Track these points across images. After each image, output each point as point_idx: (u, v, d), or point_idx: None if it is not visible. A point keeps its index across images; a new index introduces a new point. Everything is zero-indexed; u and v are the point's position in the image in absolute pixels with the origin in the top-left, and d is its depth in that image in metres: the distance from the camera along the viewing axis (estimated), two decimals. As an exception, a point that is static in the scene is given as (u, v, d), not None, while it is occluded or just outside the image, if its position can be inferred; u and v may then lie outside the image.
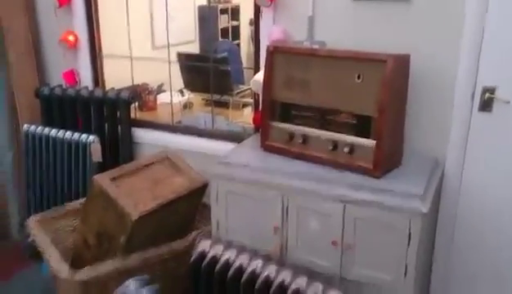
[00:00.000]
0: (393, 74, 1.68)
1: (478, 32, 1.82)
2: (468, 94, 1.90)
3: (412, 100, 1.91)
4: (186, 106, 3.27)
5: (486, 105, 1.88)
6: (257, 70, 2.35)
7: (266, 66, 2.00)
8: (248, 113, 3.14)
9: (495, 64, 1.83)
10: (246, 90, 3.38)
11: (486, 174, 1.95)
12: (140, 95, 3.32)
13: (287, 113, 2.00)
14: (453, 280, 2.11)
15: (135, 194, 2.11)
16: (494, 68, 1.84)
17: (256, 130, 2.42)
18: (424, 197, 1.66)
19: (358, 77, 1.76)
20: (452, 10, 1.85)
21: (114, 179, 2.14)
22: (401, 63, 1.76)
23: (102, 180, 2.09)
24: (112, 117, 2.75)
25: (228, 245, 1.84)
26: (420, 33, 1.93)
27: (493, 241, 1.99)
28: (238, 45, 5.38)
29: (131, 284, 1.77)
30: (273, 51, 1.97)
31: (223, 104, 3.12)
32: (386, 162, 1.80)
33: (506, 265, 1.98)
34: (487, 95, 1.86)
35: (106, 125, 2.77)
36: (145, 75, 3.43)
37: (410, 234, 1.66)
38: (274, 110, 2.03)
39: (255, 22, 2.34)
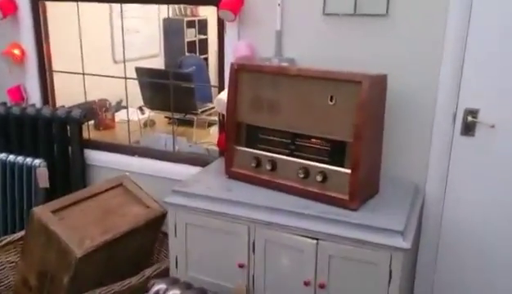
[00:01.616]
0: (369, 96, 1.52)
1: (459, 50, 1.69)
2: (449, 116, 1.76)
3: (389, 122, 1.75)
4: (147, 125, 3.04)
5: (468, 129, 1.74)
6: (221, 88, 2.16)
7: (230, 85, 1.81)
8: (214, 133, 2.93)
9: (477, 84, 1.70)
10: (213, 108, 3.18)
11: (469, 202, 1.81)
12: (96, 112, 3.07)
13: (254, 136, 1.81)
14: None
15: (81, 228, 1.86)
16: (477, 89, 1.71)
17: (221, 153, 2.22)
18: (406, 232, 1.50)
19: (331, 99, 1.59)
20: (433, 26, 1.72)
21: (57, 210, 1.90)
22: (378, 83, 1.60)
23: (42, 212, 1.84)
24: (62, 137, 2.50)
25: (187, 287, 1.61)
26: (398, 51, 1.78)
27: (477, 272, 1.85)
28: (206, 59, 5.19)
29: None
30: (238, 69, 1.79)
31: (188, 123, 2.91)
32: (363, 192, 1.62)
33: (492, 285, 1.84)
34: (470, 118, 1.72)
35: (55, 147, 2.51)
36: (105, 91, 3.19)
37: (391, 272, 1.49)
38: (239, 133, 1.84)
39: (219, 37, 2.15)
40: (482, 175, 1.76)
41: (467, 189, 1.80)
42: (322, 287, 1.58)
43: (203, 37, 5.49)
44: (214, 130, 2.99)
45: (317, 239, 1.56)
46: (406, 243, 1.46)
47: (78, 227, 1.84)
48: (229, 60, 2.07)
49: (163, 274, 2.00)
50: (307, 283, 1.59)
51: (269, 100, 1.74)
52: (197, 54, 5.06)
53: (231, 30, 2.06)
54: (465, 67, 1.70)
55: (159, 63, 4.66)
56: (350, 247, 1.52)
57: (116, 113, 3.22)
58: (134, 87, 2.82)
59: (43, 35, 2.55)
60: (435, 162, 1.81)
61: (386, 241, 1.47)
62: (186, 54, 4.84)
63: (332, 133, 1.61)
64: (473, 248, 1.84)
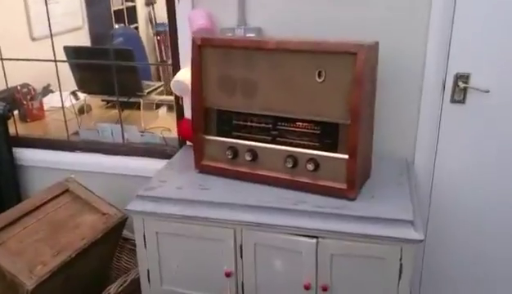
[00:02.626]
0: (365, 69, 1.31)
1: (448, 8, 1.52)
2: (438, 83, 1.61)
3: (377, 94, 1.57)
4: (83, 111, 2.65)
5: (458, 96, 1.60)
6: (176, 67, 1.86)
7: (193, 64, 1.53)
8: (164, 115, 2.62)
9: (468, 47, 1.55)
10: (158, 87, 2.84)
11: (459, 174, 1.70)
12: (20, 101, 2.62)
13: (227, 123, 1.55)
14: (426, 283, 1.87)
15: (28, 251, 1.54)
16: (467, 52, 1.56)
17: (182, 142, 1.94)
18: (416, 221, 1.34)
19: (319, 75, 1.37)
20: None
21: (-6, 233, 1.55)
22: (372, 53, 1.40)
23: (-24, 239, 1.49)
24: (-17, 138, 2.09)
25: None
26: (382, 15, 1.57)
27: (468, 241, 1.78)
28: (136, 29, 4.71)
29: None
30: (202, 45, 1.50)
31: (131, 105, 2.56)
32: (360, 179, 1.45)
33: (483, 264, 1.78)
34: (460, 83, 1.58)
35: (-23, 149, 2.09)
36: (24, 74, 2.72)
37: (401, 266, 1.34)
38: (209, 121, 1.58)
39: (168, 5, 1.82)
40: (473, 143, 1.65)
41: (457, 159, 1.68)
42: (325, 289, 1.41)
43: (130, 4, 4.97)
44: (163, 112, 2.68)
45: (317, 237, 1.37)
46: (418, 234, 1.31)
47: (25, 251, 1.52)
48: (183, 32, 1.77)
49: (131, 288, 1.74)
50: (307, 287, 1.41)
51: (242, 80, 1.48)
52: (126, 24, 4.57)
53: (182, -3, 1.74)
54: (455, 28, 1.54)
55: (83, 37, 4.15)
56: (354, 242, 1.35)
57: (43, 100, 2.78)
58: (62, 68, 2.40)
59: None
60: (424, 133, 1.66)
61: (396, 233, 1.31)
62: (115, 25, 4.35)
63: (322, 114, 1.40)
64: (463, 218, 1.75)
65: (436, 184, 1.73)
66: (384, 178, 1.56)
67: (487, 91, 1.56)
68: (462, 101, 1.61)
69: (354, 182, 1.39)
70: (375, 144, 1.63)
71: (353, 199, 1.41)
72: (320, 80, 1.37)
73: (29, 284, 1.44)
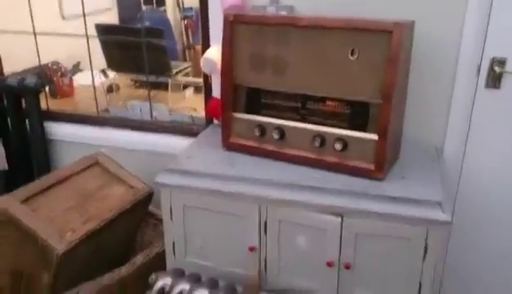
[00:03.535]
0: (401, 48, 1.30)
1: (486, -7, 1.49)
2: (473, 67, 1.58)
3: (409, 76, 1.55)
4: (112, 90, 2.69)
5: (494, 80, 1.57)
6: (206, 47, 1.87)
7: (224, 41, 1.53)
8: (190, 96, 2.64)
9: (506, 31, 1.52)
10: (186, 68, 2.86)
11: (490, 164, 1.66)
12: (51, 78, 2.68)
13: (256, 101, 1.56)
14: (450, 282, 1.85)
15: (59, 218, 1.59)
16: (505, 36, 1.52)
17: (209, 120, 1.96)
18: (444, 202, 1.33)
19: (352, 53, 1.36)
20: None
21: (27, 200, 1.60)
22: (408, 32, 1.38)
23: (11, 204, 1.54)
24: (16, 110, 2.14)
25: (195, 280, 1.40)
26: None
27: (494, 232, 1.75)
28: (164, 12, 4.74)
29: None
30: (233, 21, 1.51)
31: (158, 86, 2.59)
32: (389, 160, 1.44)
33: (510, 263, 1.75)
34: (496, 68, 1.55)
35: (9, 121, 2.15)
36: (55, 52, 2.78)
37: (426, 247, 1.33)
38: (238, 98, 1.58)
39: (200, -16, 1.83)
40: (507, 131, 1.61)
41: (489, 149, 1.65)
42: (348, 267, 1.41)
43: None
44: (190, 93, 2.70)
45: (342, 216, 1.38)
46: (445, 215, 1.30)
47: (55, 218, 1.56)
48: (214, 10, 1.78)
49: (156, 261, 1.77)
50: (330, 264, 1.42)
51: (273, 58, 1.48)
52: (154, 6, 4.61)
53: (214, -24, 1.75)
54: (493, 11, 1.50)
55: (112, 17, 4.20)
56: (380, 222, 1.34)
57: (73, 78, 2.83)
58: (92, 47, 2.44)
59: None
60: (456, 119, 1.64)
61: (424, 214, 1.30)
62: (143, 6, 4.39)
63: (353, 93, 1.39)
64: (491, 212, 1.72)
65: (464, 175, 1.70)
66: (414, 161, 1.55)
67: (523, 77, 1.53)
68: (497, 87, 1.58)
69: (383, 163, 1.39)
70: (406, 129, 1.62)
71: (381, 180, 1.41)
72: (353, 58, 1.36)
73: (60, 249, 1.48)
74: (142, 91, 2.60)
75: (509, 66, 1.55)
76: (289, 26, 1.43)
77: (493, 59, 1.55)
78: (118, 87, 2.78)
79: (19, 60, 2.42)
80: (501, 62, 1.55)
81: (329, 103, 1.45)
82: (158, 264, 1.76)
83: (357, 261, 1.41)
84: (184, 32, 4.97)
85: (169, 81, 2.59)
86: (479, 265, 1.79)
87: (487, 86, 1.58)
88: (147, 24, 3.84)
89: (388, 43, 1.29)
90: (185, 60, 4.39)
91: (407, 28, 1.35)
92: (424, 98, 1.65)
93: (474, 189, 1.71)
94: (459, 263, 1.80)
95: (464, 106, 1.62)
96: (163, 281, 1.39)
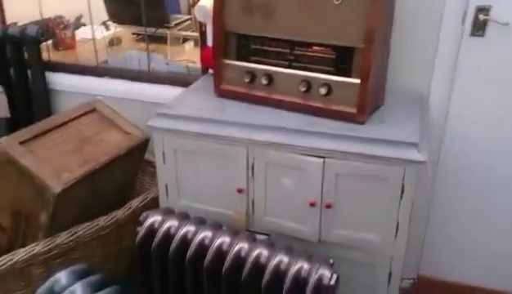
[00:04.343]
0: (383, -8, 1.32)
1: None
2: (458, 15, 1.59)
3: (394, 25, 1.57)
4: (113, 42, 2.73)
5: (478, 28, 1.58)
6: (201, -5, 1.89)
7: (215, -13, 1.56)
8: (190, 49, 2.67)
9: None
10: (186, 20, 2.87)
11: (475, 107, 1.70)
12: (53, 31, 2.72)
13: (246, 47, 1.60)
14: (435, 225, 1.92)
15: (56, 160, 1.66)
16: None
17: (204, 70, 2.00)
18: (421, 143, 1.38)
19: (337, -2, 1.38)
20: None
21: (25, 141, 1.67)
22: (391, -22, 1.40)
23: (9, 145, 1.62)
24: (18, 60, 2.20)
25: (184, 217, 1.48)
26: None
27: (477, 187, 1.80)
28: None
29: (62, 277, 1.39)
30: (223, -32, 1.53)
31: (159, 39, 2.62)
32: (371, 103, 1.48)
33: (493, 202, 1.80)
34: (481, 15, 1.56)
35: (12, 71, 2.21)
36: (58, 6, 2.80)
37: (403, 186, 1.39)
38: (228, 45, 1.62)
39: None
40: (491, 78, 1.64)
41: (473, 96, 1.68)
42: (329, 206, 1.48)
43: None
44: (190, 46, 2.73)
45: (324, 157, 1.43)
46: (421, 155, 1.35)
47: (53, 159, 1.64)
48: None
49: (151, 205, 1.86)
50: (312, 204, 1.49)
51: (261, 4, 1.51)
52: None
53: None
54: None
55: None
56: (360, 163, 1.40)
57: (76, 31, 2.87)
58: (94, 0, 2.47)
59: None
60: (441, 67, 1.66)
61: (400, 154, 1.35)
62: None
63: (338, 38, 1.43)
64: (475, 161, 1.76)
65: (449, 123, 1.74)
66: (397, 107, 1.59)
67: (507, 24, 1.54)
68: (482, 35, 1.59)
69: (364, 106, 1.43)
70: (392, 77, 1.65)
71: (362, 123, 1.46)
72: (338, 2, 1.39)
73: (56, 188, 1.56)
74: (143, 45, 2.64)
75: (494, 13, 1.56)
76: (276, -29, 1.45)
77: (478, 7, 1.56)
78: (119, 40, 2.81)
79: (23, 13, 2.45)
80: (485, 10, 1.56)
81: (315, 48, 1.48)
82: (152, 208, 1.84)
83: (338, 201, 1.48)
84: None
85: (168, 33, 2.62)
86: (463, 213, 1.85)
87: (473, 34, 1.60)
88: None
89: (371, -13, 1.31)
90: (190, 14, 4.38)
91: (391, -28, 1.36)
92: (411, 47, 1.67)
93: (459, 136, 1.75)
94: (441, 205, 1.86)
95: (449, 53, 1.64)
96: (154, 218, 1.46)
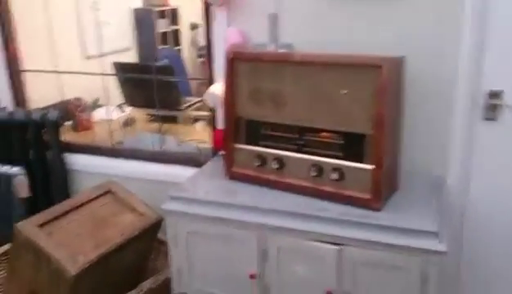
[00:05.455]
0: (390, 81, 1.39)
1: (480, 27, 1.56)
2: (470, 100, 1.63)
3: (405, 110, 1.63)
4: (128, 124, 2.84)
5: (491, 113, 1.63)
6: (211, 81, 1.99)
7: (226, 77, 1.65)
8: (201, 129, 2.77)
9: (501, 64, 1.58)
10: (196, 103, 3.00)
11: (495, 193, 1.69)
12: (72, 113, 2.85)
13: (256, 132, 1.66)
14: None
15: (72, 242, 1.69)
16: (500, 69, 1.58)
17: (215, 151, 2.06)
18: (441, 232, 1.36)
19: (343, 88, 1.46)
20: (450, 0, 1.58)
21: (44, 224, 1.71)
22: (397, 67, 1.47)
23: (28, 228, 1.65)
24: (38, 142, 2.29)
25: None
26: (412, 31, 1.63)
27: (503, 265, 1.75)
28: (179, 51, 4.95)
29: None
30: (234, 58, 1.63)
31: (170, 120, 2.73)
32: (385, 189, 1.50)
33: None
34: (493, 100, 1.61)
35: (32, 152, 2.30)
36: (77, 89, 2.96)
37: (425, 277, 1.36)
38: (239, 130, 1.68)
39: (206, 25, 1.97)
40: (508, 161, 1.65)
41: (492, 178, 1.68)
42: (346, 295, 1.46)
43: (174, 27, 5.24)
44: (200, 126, 2.82)
45: (340, 245, 1.43)
46: (442, 245, 1.33)
47: (69, 242, 1.66)
48: (219, 49, 1.91)
49: (163, 286, 1.85)
50: (329, 293, 1.46)
51: (271, 92, 1.59)
52: (170, 45, 4.82)
53: (219, 16, 1.88)
54: (487, 44, 1.57)
55: (132, 56, 4.42)
56: (378, 251, 1.39)
57: (93, 113, 3.00)
58: (110, 84, 2.61)
59: (9, 30, 2.31)
60: (456, 151, 1.68)
61: (421, 244, 1.34)
62: (160, 46, 4.61)
63: (346, 125, 1.48)
64: (499, 240, 1.73)
65: (469, 204, 1.73)
66: (412, 193, 1.59)
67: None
68: (494, 118, 1.63)
69: (379, 192, 1.44)
70: (406, 161, 1.68)
71: (378, 210, 1.46)
72: (345, 92, 1.45)
73: (72, 271, 1.57)
74: (157, 125, 2.74)
75: (506, 98, 1.60)
76: (284, 63, 1.55)
77: (490, 92, 1.60)
78: (133, 121, 2.93)
79: (44, 97, 2.59)
80: (497, 95, 1.60)
81: (324, 134, 1.53)
82: (164, 290, 1.83)
83: (356, 290, 1.44)
84: (202, 69, 5.18)
85: (179, 114, 2.73)
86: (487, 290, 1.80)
87: (485, 118, 1.63)
88: (166, 61, 4.04)
89: (377, 77, 1.37)
90: (200, 95, 4.57)
91: (396, 62, 1.44)
92: (423, 131, 1.71)
93: (480, 218, 1.72)
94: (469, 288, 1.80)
95: (463, 137, 1.66)
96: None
